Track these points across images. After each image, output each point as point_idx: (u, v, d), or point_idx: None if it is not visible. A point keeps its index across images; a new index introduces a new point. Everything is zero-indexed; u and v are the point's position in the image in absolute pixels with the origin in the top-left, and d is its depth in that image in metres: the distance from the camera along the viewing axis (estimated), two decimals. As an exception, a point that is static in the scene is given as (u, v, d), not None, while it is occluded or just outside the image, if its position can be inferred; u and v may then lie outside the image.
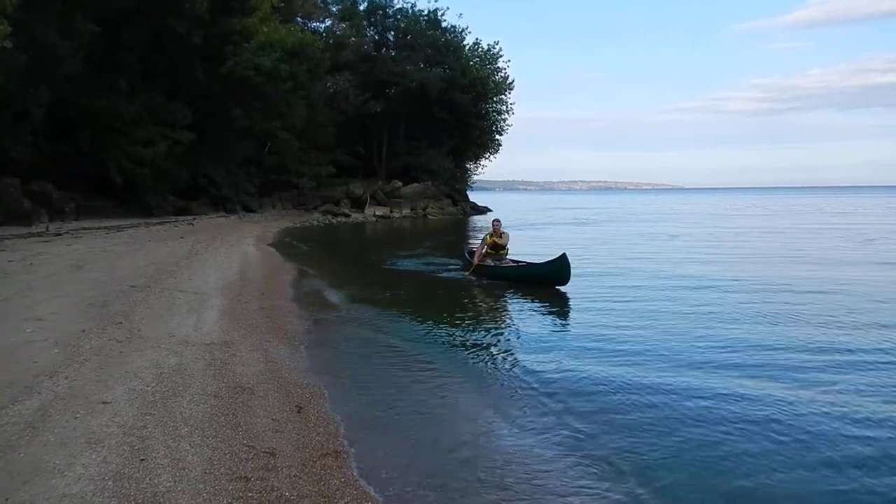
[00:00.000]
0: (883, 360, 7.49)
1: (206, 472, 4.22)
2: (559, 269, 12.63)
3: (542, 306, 11.63)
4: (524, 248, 17.66)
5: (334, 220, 40.69)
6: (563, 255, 12.55)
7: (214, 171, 36.16)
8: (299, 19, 45.76)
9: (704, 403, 5.96)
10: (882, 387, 6.46)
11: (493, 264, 14.56)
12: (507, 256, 14.94)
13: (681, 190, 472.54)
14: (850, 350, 7.91)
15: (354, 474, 4.39)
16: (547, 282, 12.92)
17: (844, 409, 5.78)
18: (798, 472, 4.60)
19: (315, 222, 38.64)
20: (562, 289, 12.55)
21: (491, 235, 14.90)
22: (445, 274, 15.49)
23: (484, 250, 14.81)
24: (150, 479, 4.08)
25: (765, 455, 4.86)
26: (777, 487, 4.40)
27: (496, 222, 15.37)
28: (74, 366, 6.25)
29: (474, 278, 14.35)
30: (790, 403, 5.91)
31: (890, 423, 5.48)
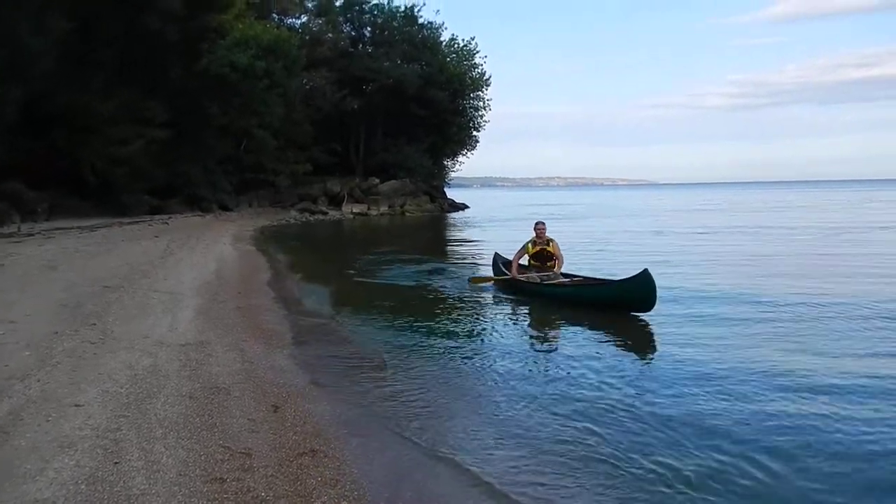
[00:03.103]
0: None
1: (180, 474, 4.19)
2: (641, 289, 9.56)
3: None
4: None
5: (311, 218, 40.54)
6: (646, 270, 9.52)
7: (191, 169, 35.79)
8: (275, 15, 45.48)
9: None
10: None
11: (538, 280, 11.37)
12: (561, 271, 11.71)
13: (658, 185, 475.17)
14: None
15: (332, 474, 4.38)
16: (622, 306, 9.77)
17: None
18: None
19: (292, 220, 38.47)
20: (643, 316, 9.56)
21: (535, 243, 11.76)
22: (427, 274, 15.38)
23: (524, 260, 11.92)
24: (124, 481, 4.04)
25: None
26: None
27: (540, 225, 11.89)
28: (46, 368, 6.17)
29: (489, 288, 11.94)
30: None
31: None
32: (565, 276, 11.58)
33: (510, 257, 12.52)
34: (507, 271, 12.15)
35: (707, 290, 11.82)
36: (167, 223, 28.52)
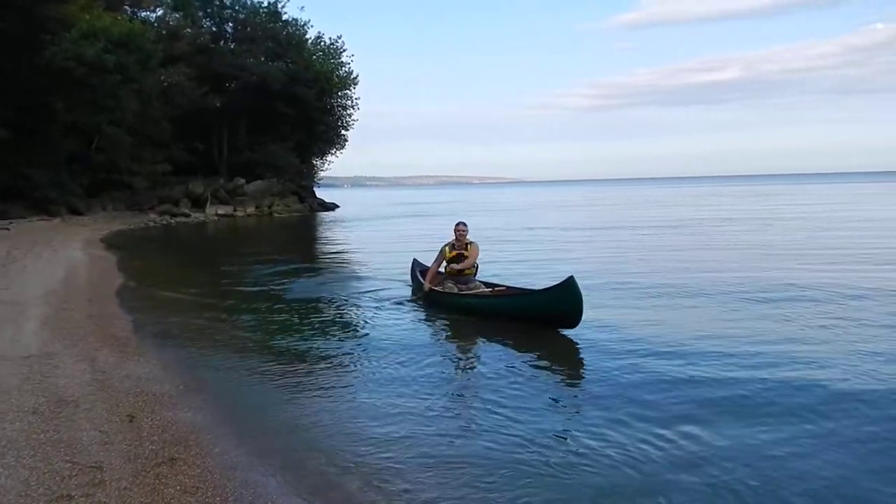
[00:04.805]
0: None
1: (21, 495, 3.88)
2: (563, 300, 8.05)
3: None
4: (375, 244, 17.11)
5: (172, 221, 38.64)
6: (570, 279, 7.99)
7: (34, 170, 33.13)
8: (127, 8, 43.00)
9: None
10: None
11: (454, 289, 10.02)
12: (477, 278, 10.38)
13: (525, 183, 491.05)
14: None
15: (193, 482, 4.20)
16: (543, 320, 8.31)
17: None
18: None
19: (151, 223, 36.51)
20: (567, 332, 8.18)
21: (453, 247, 10.29)
22: (296, 276, 15.08)
23: (440, 268, 10.46)
24: (-47, 508, 3.70)
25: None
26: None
27: (460, 226, 10.37)
28: None
29: (419, 304, 10.33)
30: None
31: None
32: (487, 284, 10.28)
33: (429, 264, 10.95)
34: (422, 281, 10.61)
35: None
36: (8, 228, 26.24)
